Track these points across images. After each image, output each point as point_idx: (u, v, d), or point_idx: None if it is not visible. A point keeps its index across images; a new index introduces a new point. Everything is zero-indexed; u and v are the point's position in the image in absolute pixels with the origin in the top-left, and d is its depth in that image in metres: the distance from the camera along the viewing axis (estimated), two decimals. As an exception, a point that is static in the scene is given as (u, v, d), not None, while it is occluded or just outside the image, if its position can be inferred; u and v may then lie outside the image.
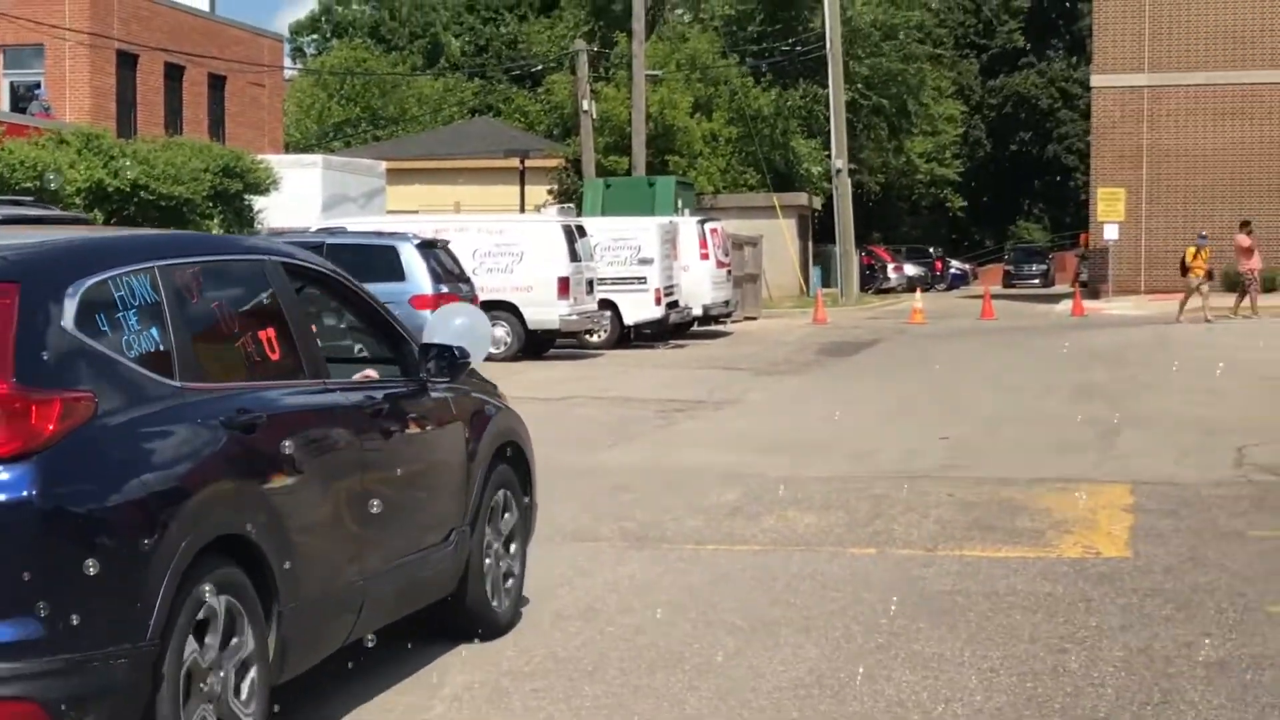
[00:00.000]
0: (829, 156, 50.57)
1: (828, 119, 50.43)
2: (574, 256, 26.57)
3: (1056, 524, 10.76)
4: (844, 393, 20.54)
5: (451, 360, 7.25)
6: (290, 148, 53.14)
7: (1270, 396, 18.53)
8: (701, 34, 53.07)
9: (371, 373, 7.34)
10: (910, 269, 64.76)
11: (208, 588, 5.27)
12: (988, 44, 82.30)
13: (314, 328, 6.64)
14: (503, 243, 26.43)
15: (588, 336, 28.66)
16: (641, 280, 29.13)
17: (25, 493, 4.70)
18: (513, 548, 8.11)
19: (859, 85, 53.84)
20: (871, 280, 56.85)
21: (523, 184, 46.69)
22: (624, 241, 29.67)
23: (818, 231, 53.02)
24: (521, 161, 46.82)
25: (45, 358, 4.92)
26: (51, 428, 4.81)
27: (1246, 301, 33.56)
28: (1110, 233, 42.92)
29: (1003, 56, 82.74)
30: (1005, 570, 9.33)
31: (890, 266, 61.92)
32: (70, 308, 5.07)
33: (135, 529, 4.98)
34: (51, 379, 4.90)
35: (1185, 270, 33.11)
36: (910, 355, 26.06)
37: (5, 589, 4.66)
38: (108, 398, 5.07)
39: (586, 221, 29.93)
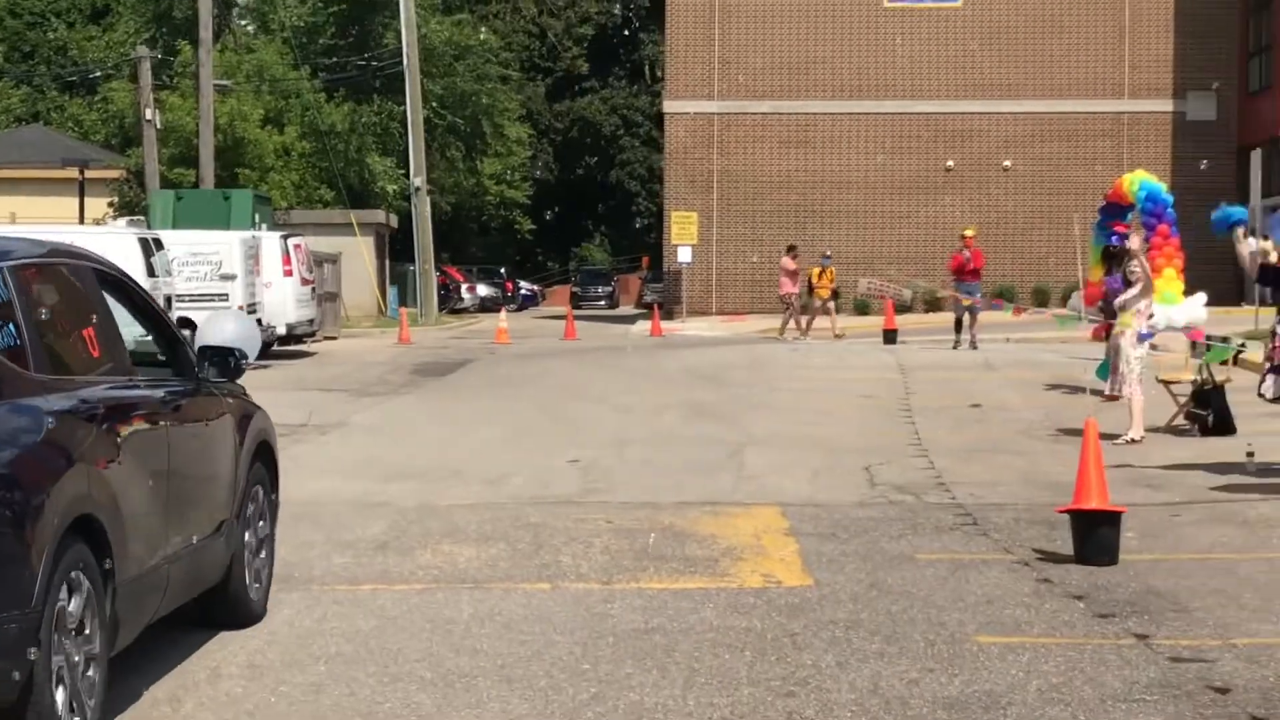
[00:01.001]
0: (405, 174, 49.70)
1: (403, 136, 49.58)
2: (150, 272, 24.84)
3: (727, 551, 10.33)
4: (453, 414, 19.79)
5: (233, 362, 7.85)
6: None
7: (876, 415, 18.81)
8: (269, 44, 51.36)
9: None
10: (483, 289, 64.57)
11: (71, 562, 5.82)
12: (553, 68, 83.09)
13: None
14: (72, 256, 24.40)
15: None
16: (223, 297, 27.57)
17: None
18: (264, 541, 8.54)
19: (433, 104, 53.19)
20: (446, 300, 56.22)
21: (82, 195, 43.91)
22: (203, 256, 28.04)
23: (394, 251, 52.03)
24: (81, 172, 44.03)
25: None
26: None
27: (793, 324, 34.11)
28: (683, 255, 43.69)
29: (568, 81, 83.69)
30: (692, 603, 8.81)
31: (464, 287, 61.49)
32: None
33: (21, 506, 5.51)
34: None
35: (811, 290, 33.73)
36: (508, 375, 25.50)
37: None
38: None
39: (162, 234, 28.12)
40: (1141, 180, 35.87)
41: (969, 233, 29.16)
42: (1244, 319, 29.32)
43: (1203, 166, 42.34)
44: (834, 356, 26.95)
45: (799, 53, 44.46)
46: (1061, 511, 10.11)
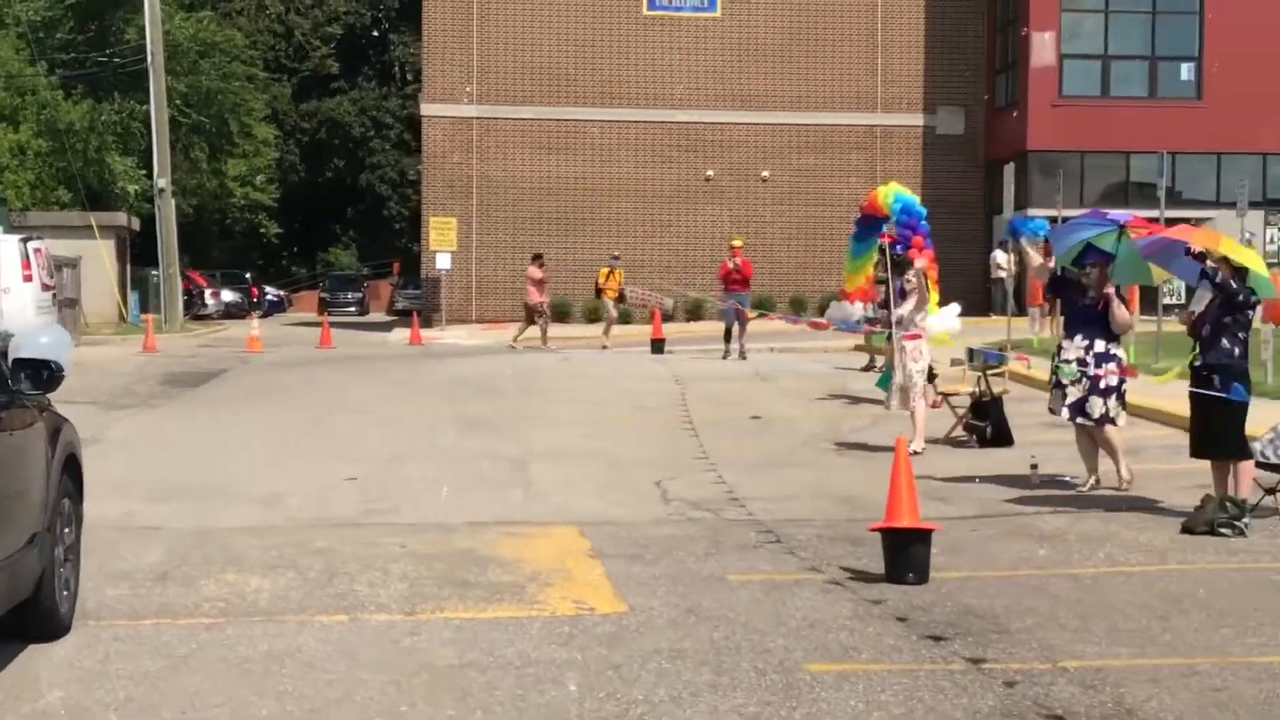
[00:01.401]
0: (147, 175, 47.88)
1: (145, 135, 47.77)
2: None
3: (533, 575, 9.88)
4: (213, 428, 18.89)
5: (49, 374, 7.75)
6: None
7: (657, 427, 18.55)
8: (4, 39, 49.00)
9: None
10: (228, 295, 62.66)
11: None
12: (299, 68, 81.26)
13: None
14: None
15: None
16: (-41, 304, 26.03)
17: None
18: (70, 555, 8.40)
19: (178, 102, 51.37)
20: (190, 306, 54.38)
21: None
22: (-64, 260, 26.44)
23: (135, 255, 50.09)
24: None
25: None
26: None
27: (537, 332, 33.35)
28: (442, 261, 43.00)
29: (315, 82, 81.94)
30: (505, 634, 8.35)
31: (208, 292, 59.60)
32: None
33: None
34: None
35: (599, 292, 33.03)
36: (267, 385, 24.54)
37: None
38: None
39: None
40: (896, 192, 36.42)
41: (737, 243, 29.17)
42: (994, 329, 29.98)
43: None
44: (607, 367, 26.63)
45: (560, 58, 44.17)
46: (874, 530, 9.92)
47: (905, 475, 9.74)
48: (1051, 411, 13.42)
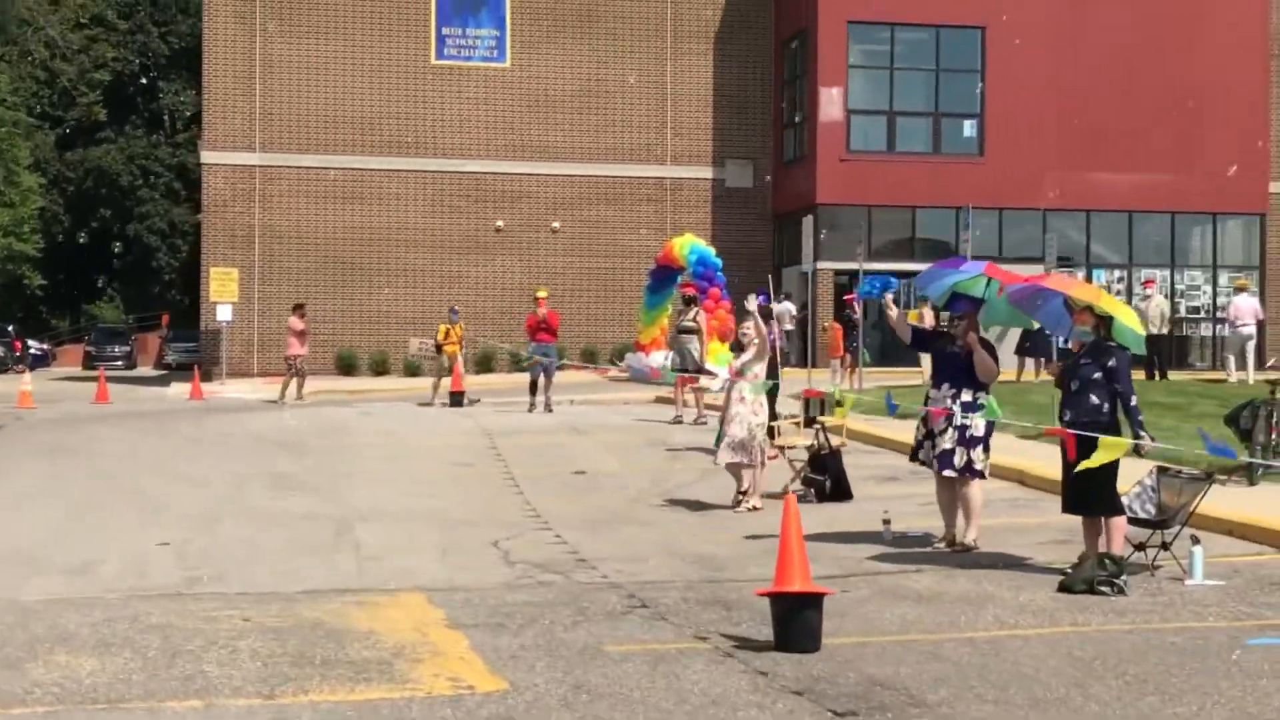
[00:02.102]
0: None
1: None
2: None
3: (396, 650, 9.10)
4: (1, 490, 17.53)
5: None
6: None
7: (479, 484, 17.81)
8: None
9: None
10: (-8, 349, 59.78)
11: None
12: (64, 116, 78.44)
13: None
14: None
15: None
16: None
17: None
18: None
19: (-62, 146, 48.98)
20: (-51, 360, 51.70)
21: None
22: None
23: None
24: None
25: None
26: None
27: (293, 387, 32.26)
28: (223, 313, 41.46)
29: (81, 130, 79.16)
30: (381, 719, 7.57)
31: (-32, 346, 56.74)
32: None
33: None
34: None
35: (439, 349, 31.68)
36: (51, 443, 23.02)
37: None
38: None
39: None
40: (692, 244, 36.35)
41: (542, 294, 28.49)
42: (794, 380, 29.85)
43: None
44: (413, 421, 25.70)
45: (346, 106, 43.11)
46: (763, 594, 9.37)
47: (796, 535, 9.24)
48: (921, 464, 13.05)
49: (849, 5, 41.00)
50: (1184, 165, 41.51)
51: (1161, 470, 11.67)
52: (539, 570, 12.21)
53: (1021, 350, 28.75)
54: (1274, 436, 16.25)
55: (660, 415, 26.73)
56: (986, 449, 12.65)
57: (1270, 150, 42.82)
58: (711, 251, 35.94)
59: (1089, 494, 11.18)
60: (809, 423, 18.56)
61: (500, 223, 43.35)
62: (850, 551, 12.90)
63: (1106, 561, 10.65)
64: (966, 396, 12.51)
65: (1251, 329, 30.55)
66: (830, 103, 41.19)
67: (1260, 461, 15.14)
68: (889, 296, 13.20)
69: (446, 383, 30.38)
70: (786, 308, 40.26)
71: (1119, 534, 11.20)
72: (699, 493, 16.87)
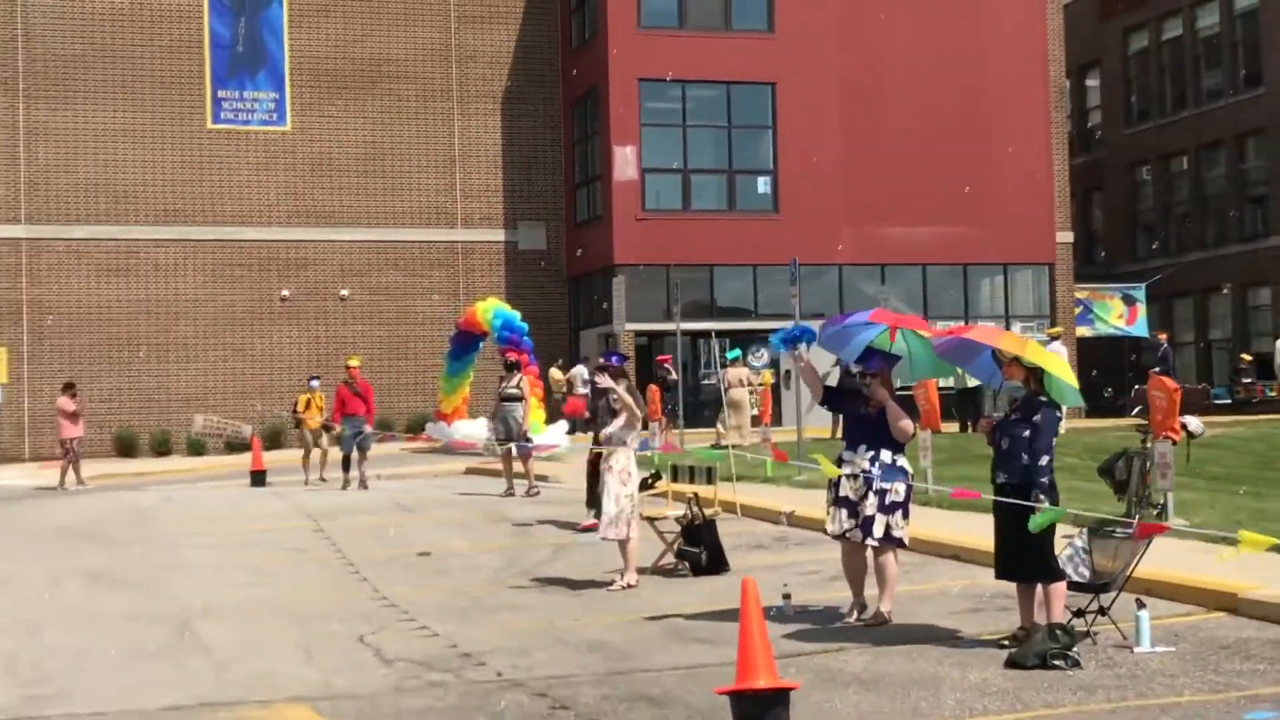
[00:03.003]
0: None
1: None
2: None
3: (311, 780, 7.88)
4: None
5: None
6: None
7: (318, 571, 16.46)
8: None
9: None
10: None
11: None
12: None
13: None
14: None
15: None
16: None
17: None
18: None
19: None
20: None
21: None
22: None
23: None
24: None
25: None
26: None
27: (72, 473, 30.25)
28: (-9, 395, 39.05)
29: None
30: None
31: None
32: None
33: None
34: None
35: (299, 423, 29.31)
36: None
37: None
38: None
39: None
40: (496, 308, 35.45)
41: (354, 362, 26.97)
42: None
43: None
44: (222, 505, 23.99)
45: (118, 174, 41.04)
46: (722, 693, 8.39)
47: (757, 622, 8.31)
48: (831, 535, 12.19)
49: (639, 63, 40.54)
50: (975, 218, 41.95)
51: (1092, 530, 11.02)
52: (423, 669, 11.04)
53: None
54: (1146, 487, 15.89)
55: (482, 488, 25.57)
56: (906, 514, 11.86)
57: (1055, 201, 43.58)
58: (517, 316, 35.09)
59: (1025, 559, 10.46)
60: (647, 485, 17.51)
61: (285, 292, 41.70)
62: (756, 630, 11.95)
63: (1058, 633, 9.92)
64: (885, 458, 11.71)
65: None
66: (624, 161, 40.61)
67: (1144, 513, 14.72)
68: (801, 349, 12.33)
69: (317, 455, 28.13)
70: (579, 371, 39.44)
71: (1059, 601, 10.49)
72: (560, 570, 15.83)
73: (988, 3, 42.73)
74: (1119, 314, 47.67)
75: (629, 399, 14.58)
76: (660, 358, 35.79)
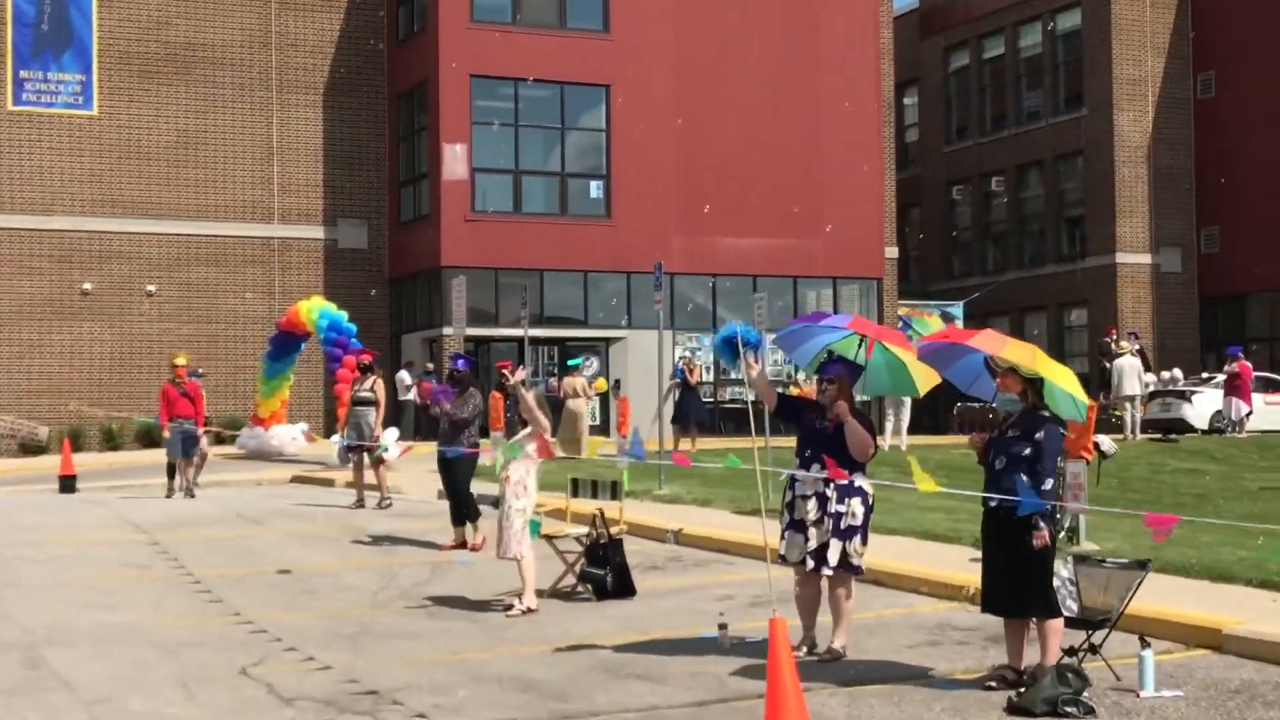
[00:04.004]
0: None
1: None
2: None
3: None
4: None
5: None
6: None
7: (168, 591, 14.82)
8: None
9: None
10: None
11: None
12: None
13: None
14: None
15: None
16: None
17: None
18: None
19: None
20: None
21: None
22: None
23: None
24: None
25: None
26: None
27: None
28: None
29: None
30: None
31: None
32: None
33: None
34: None
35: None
36: None
37: None
38: None
39: None
40: (322, 309, 33.66)
41: (180, 361, 24.95)
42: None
43: (373, 294, 41.29)
44: (41, 515, 21.83)
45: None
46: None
47: (790, 676, 7.14)
48: (783, 560, 11.03)
49: (471, 58, 39.11)
50: (806, 230, 41.43)
51: (1080, 560, 10.09)
52: (331, 710, 9.65)
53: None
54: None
55: (321, 498, 23.95)
56: (865, 539, 10.79)
57: (884, 215, 43.31)
58: (344, 316, 33.38)
59: (1020, 593, 9.47)
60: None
61: (88, 285, 39.30)
62: (696, 666, 10.79)
63: (1069, 676, 8.95)
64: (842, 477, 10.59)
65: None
66: (454, 159, 39.14)
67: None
68: (751, 355, 11.14)
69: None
70: (401, 376, 37.89)
71: (1055, 639, 9.52)
72: (444, 589, 14.50)
73: (824, 16, 42.29)
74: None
75: (536, 410, 13.31)
76: (500, 364, 34.36)
